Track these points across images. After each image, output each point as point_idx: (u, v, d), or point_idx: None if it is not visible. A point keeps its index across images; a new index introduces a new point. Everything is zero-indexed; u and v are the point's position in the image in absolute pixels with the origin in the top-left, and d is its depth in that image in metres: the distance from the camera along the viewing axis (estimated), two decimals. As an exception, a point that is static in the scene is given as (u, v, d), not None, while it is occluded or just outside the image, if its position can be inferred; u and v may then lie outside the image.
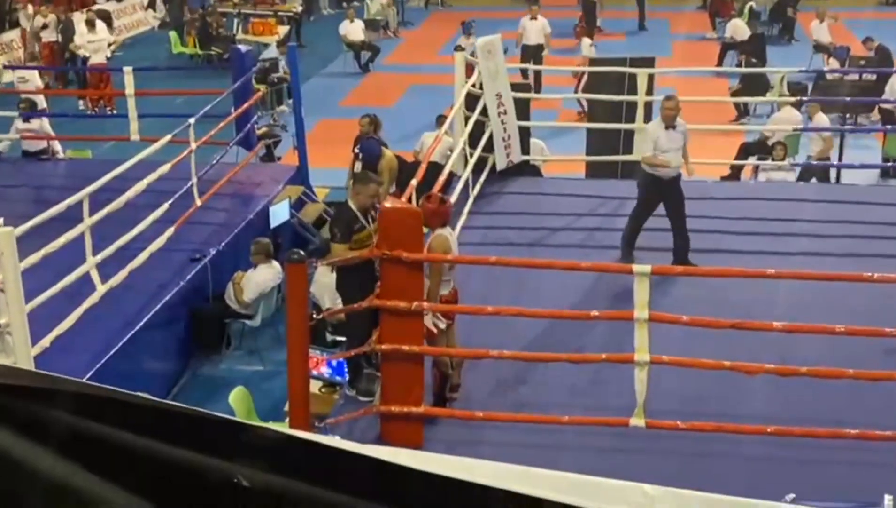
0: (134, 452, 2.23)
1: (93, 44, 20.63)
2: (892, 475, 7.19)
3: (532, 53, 21.48)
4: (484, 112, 12.70)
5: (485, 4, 30.31)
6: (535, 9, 21.84)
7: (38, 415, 2.26)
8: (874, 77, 18.53)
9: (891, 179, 16.40)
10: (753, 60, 20.67)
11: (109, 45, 21.07)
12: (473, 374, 8.67)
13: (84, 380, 2.40)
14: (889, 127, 16.86)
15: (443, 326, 7.99)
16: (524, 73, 19.21)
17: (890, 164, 16.09)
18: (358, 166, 13.06)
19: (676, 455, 7.71)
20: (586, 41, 21.77)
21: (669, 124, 10.59)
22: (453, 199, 10.65)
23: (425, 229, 8.13)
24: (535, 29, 21.67)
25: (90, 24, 20.99)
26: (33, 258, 8.45)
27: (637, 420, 7.61)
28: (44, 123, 15.49)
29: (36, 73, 18.49)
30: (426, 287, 7.84)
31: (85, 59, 20.80)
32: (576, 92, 17.64)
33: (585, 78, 18.52)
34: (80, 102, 20.77)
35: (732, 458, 7.67)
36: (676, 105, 10.64)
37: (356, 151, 13.73)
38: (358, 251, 8.26)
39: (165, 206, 11.45)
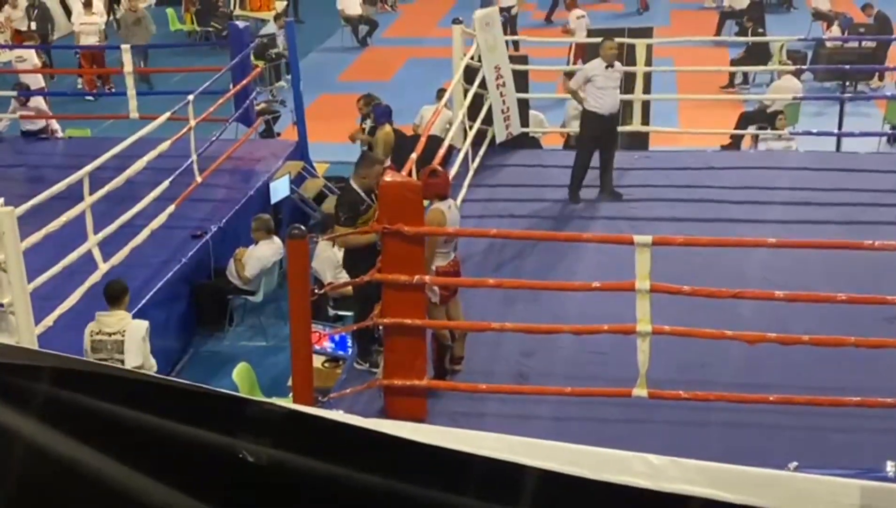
0: (138, 428, 2.25)
1: (85, 25, 20.58)
2: (893, 441, 7.22)
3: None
4: (483, 85, 12.67)
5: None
6: None
7: (44, 394, 2.27)
8: (873, 44, 18.48)
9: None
10: (760, 30, 20.56)
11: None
12: (476, 346, 8.69)
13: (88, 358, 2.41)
14: (889, 94, 16.81)
15: (435, 299, 7.98)
16: (516, 45, 19.23)
17: (889, 131, 16.06)
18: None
19: (679, 424, 7.74)
20: (575, 12, 21.86)
21: (610, 64, 11.45)
22: (453, 172, 10.65)
23: (425, 202, 8.14)
24: None
25: (87, 6, 20.92)
26: (35, 238, 8.45)
27: (640, 391, 7.63)
28: (39, 103, 15.44)
29: (33, 52, 18.42)
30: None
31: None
32: (568, 64, 17.60)
33: (574, 50, 18.55)
34: (80, 81, 20.72)
35: (735, 427, 7.69)
36: (616, 46, 11.78)
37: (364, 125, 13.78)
38: (364, 232, 8.28)
39: (166, 183, 11.44)
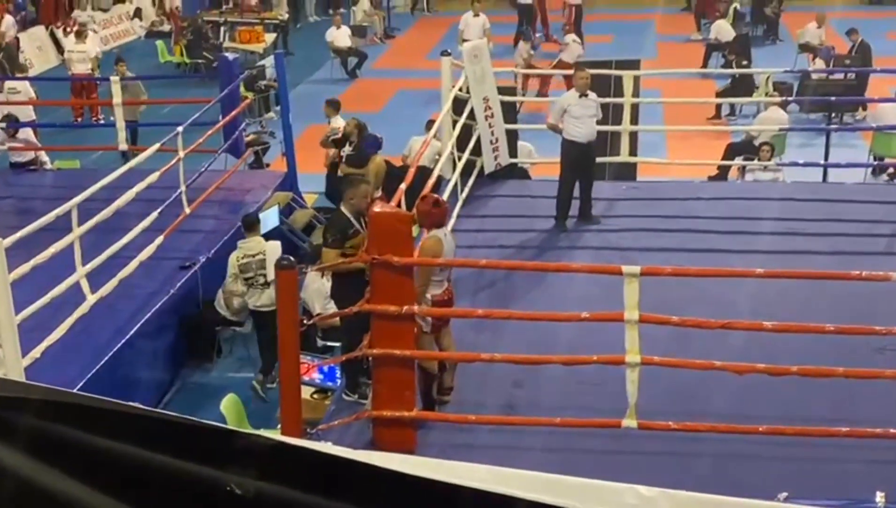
0: (126, 461, 2.23)
1: (73, 54, 20.65)
2: (883, 471, 7.21)
3: None
4: (471, 116, 12.72)
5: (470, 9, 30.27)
6: (478, 6, 23.16)
7: (31, 427, 2.26)
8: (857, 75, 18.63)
9: (881, 177, 16.46)
10: (745, 63, 20.72)
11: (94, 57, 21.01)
12: (465, 377, 8.67)
13: (75, 390, 2.40)
14: (874, 126, 16.90)
15: (427, 328, 7.98)
16: None
17: (874, 162, 16.15)
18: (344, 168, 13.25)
19: (669, 455, 7.71)
20: (572, 35, 22.37)
21: (583, 93, 11.70)
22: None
23: (416, 230, 8.15)
24: (476, 25, 22.62)
25: (79, 35, 20.99)
26: (22, 269, 8.42)
27: (629, 421, 7.61)
28: (28, 134, 15.42)
29: (27, 83, 18.39)
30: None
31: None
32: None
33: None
34: (72, 116, 20.74)
35: (725, 458, 7.67)
36: (588, 76, 11.91)
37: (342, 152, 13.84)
38: (351, 257, 8.28)
39: (154, 214, 11.43)
